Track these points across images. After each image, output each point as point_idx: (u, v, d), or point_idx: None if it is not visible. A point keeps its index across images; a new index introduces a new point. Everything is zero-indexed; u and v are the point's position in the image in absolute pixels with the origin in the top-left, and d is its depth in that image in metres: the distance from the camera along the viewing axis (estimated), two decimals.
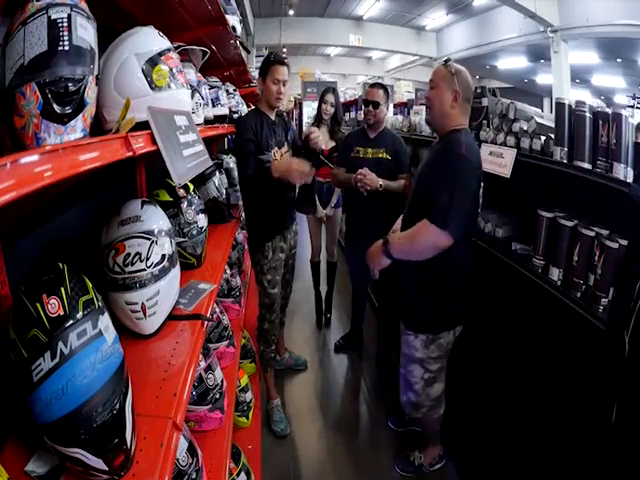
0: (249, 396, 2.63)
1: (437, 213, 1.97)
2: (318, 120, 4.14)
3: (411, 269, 2.21)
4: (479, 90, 3.03)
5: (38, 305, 0.83)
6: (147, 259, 1.33)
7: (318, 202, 4.13)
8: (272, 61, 2.64)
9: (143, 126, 1.07)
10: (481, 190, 2.11)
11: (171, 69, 1.24)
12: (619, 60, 13.16)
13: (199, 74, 2.20)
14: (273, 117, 2.78)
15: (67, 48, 0.81)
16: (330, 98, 3.99)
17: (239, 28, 2.91)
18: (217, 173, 2.72)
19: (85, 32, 0.85)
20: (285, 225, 2.91)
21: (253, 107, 2.98)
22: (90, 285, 0.95)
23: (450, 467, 2.65)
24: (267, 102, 2.72)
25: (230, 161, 3.34)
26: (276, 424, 3.02)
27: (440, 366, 2.32)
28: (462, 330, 2.34)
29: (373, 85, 3.41)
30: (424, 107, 2.56)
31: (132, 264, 1.30)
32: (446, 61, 2.16)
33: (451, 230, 1.95)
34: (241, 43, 3.11)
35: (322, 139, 4.01)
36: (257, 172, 2.57)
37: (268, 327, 2.95)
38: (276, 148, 2.72)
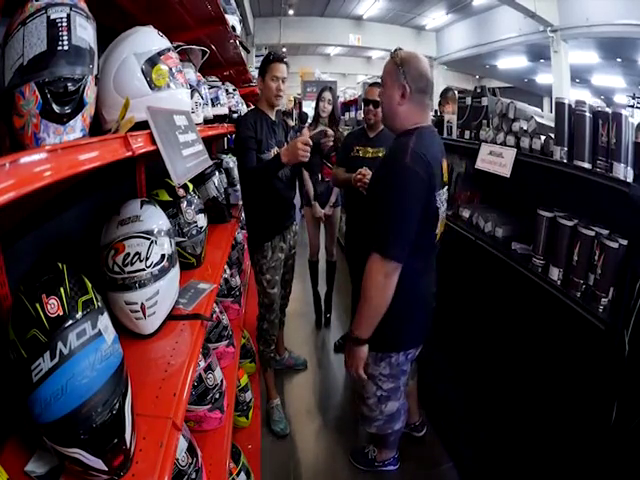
0: (249, 396, 2.63)
1: (377, 241, 1.86)
2: (316, 120, 4.14)
3: (360, 285, 2.11)
4: (479, 90, 3.04)
5: (37, 305, 0.83)
6: (147, 259, 1.32)
7: (317, 201, 4.12)
8: (270, 59, 2.65)
9: (142, 126, 1.07)
10: (444, 196, 1.94)
11: (170, 69, 1.23)
12: (619, 60, 13.14)
13: (199, 74, 2.20)
14: (273, 117, 2.78)
15: (66, 48, 0.81)
16: (327, 96, 4.00)
17: (239, 28, 2.91)
18: (217, 173, 2.72)
19: (84, 32, 0.85)
20: (285, 225, 2.91)
21: (253, 107, 2.98)
22: (89, 285, 0.95)
23: (450, 467, 2.65)
24: (267, 100, 2.72)
25: (230, 161, 3.34)
26: (276, 424, 3.02)
27: (394, 386, 2.23)
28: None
29: (373, 84, 3.41)
30: None
31: (132, 264, 1.30)
32: (395, 51, 1.93)
33: (394, 256, 1.82)
34: (241, 43, 3.11)
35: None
36: (263, 164, 2.55)
37: (267, 327, 2.95)
38: (276, 148, 2.71)
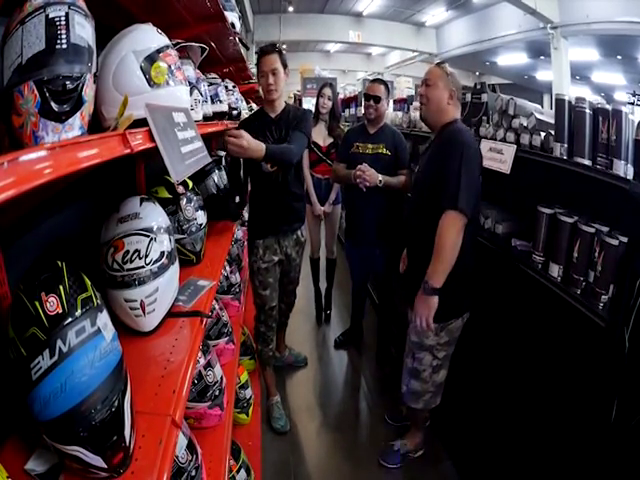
0: (249, 393, 2.63)
1: (446, 195, 2.05)
2: (316, 116, 4.13)
3: (420, 260, 2.22)
4: (479, 86, 3.03)
5: (37, 303, 0.83)
6: (146, 256, 1.33)
7: (316, 199, 4.13)
8: (258, 57, 2.57)
9: (142, 123, 1.07)
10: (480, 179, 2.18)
11: (169, 66, 1.23)
12: (619, 57, 13.12)
13: (198, 71, 2.20)
14: (274, 115, 2.65)
15: (65, 46, 0.81)
16: (327, 92, 3.99)
17: (238, 25, 2.90)
18: (216, 170, 2.71)
19: (83, 30, 0.85)
20: (280, 229, 2.81)
21: (258, 108, 2.98)
22: (89, 283, 0.95)
23: (449, 466, 2.66)
24: (264, 98, 2.66)
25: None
26: (276, 421, 3.03)
27: (447, 354, 2.39)
28: (468, 321, 2.36)
29: (374, 80, 3.43)
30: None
31: (131, 261, 1.30)
32: (440, 63, 2.35)
33: (462, 207, 2.01)
34: (240, 40, 3.10)
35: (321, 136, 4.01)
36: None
37: (264, 330, 2.94)
38: None
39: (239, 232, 3.64)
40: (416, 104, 4.60)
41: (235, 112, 3.20)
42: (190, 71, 1.99)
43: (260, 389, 3.18)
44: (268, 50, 2.53)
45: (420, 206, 2.31)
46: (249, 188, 2.89)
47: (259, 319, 2.95)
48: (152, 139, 1.06)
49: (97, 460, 0.86)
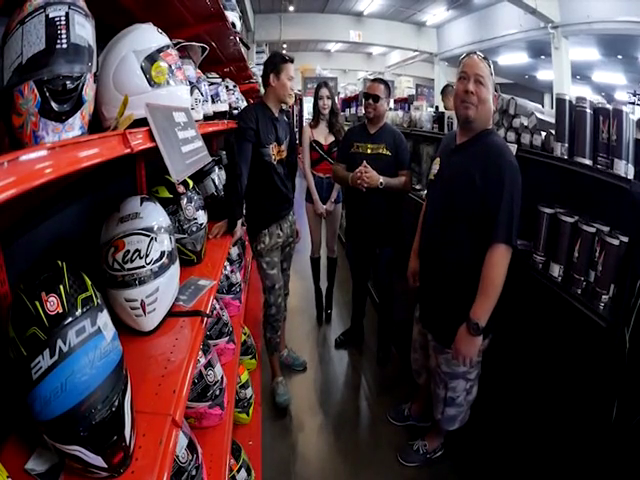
0: (249, 392, 2.63)
1: (500, 227, 1.98)
2: (316, 116, 4.14)
3: (453, 292, 2.20)
4: None
5: (37, 303, 0.83)
6: (146, 256, 1.33)
7: (318, 197, 4.13)
8: (286, 59, 2.77)
9: (143, 123, 1.07)
10: None
11: (170, 66, 1.24)
12: (620, 57, 13.12)
13: (198, 70, 2.20)
14: (276, 114, 2.86)
15: (65, 46, 0.81)
16: (325, 92, 4.00)
17: (239, 24, 2.91)
18: (216, 169, 2.72)
19: (83, 30, 0.85)
20: (281, 215, 3.04)
21: (259, 100, 3.03)
22: (89, 282, 0.95)
23: (449, 465, 2.65)
24: (278, 98, 2.83)
25: None
26: (280, 396, 3.16)
27: (477, 372, 2.34)
28: None
29: (374, 80, 3.42)
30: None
31: (131, 261, 1.30)
32: (481, 55, 2.18)
33: (515, 243, 2.01)
34: (240, 39, 3.11)
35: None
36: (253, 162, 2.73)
37: (274, 312, 3.09)
38: (275, 144, 2.82)
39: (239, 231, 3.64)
40: (417, 103, 4.60)
41: (236, 112, 3.20)
42: (190, 71, 2.00)
43: (260, 389, 3.19)
44: (293, 61, 2.82)
45: (447, 222, 2.19)
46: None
47: (269, 303, 3.09)
48: (152, 139, 1.07)
49: (97, 460, 0.86)
